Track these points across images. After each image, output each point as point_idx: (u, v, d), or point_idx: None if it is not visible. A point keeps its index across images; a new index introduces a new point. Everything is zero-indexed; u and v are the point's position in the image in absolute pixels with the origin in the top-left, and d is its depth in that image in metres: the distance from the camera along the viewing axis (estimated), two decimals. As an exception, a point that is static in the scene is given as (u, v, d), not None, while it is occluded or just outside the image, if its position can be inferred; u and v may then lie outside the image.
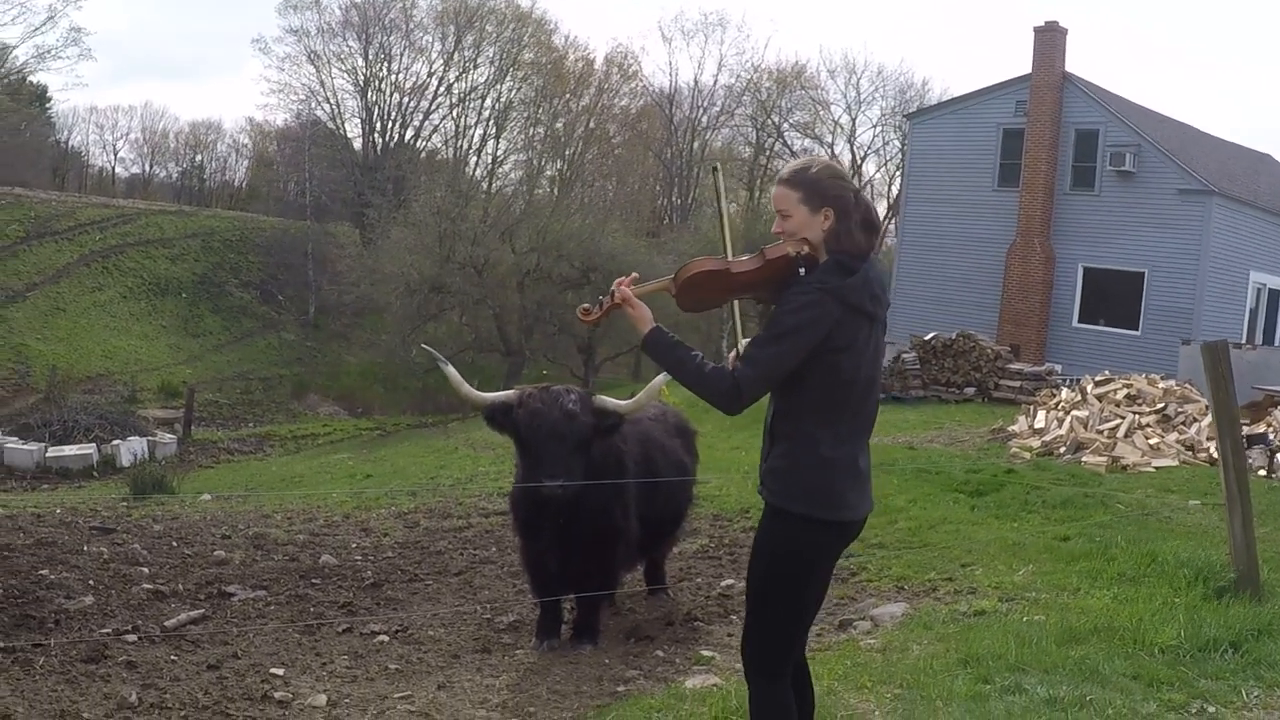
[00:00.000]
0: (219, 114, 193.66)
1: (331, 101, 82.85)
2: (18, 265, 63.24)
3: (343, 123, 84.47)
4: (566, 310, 52.69)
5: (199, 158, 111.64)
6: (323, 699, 9.33)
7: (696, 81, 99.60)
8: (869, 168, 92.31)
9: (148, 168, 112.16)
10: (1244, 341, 40.77)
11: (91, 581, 12.94)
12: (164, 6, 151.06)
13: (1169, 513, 15.49)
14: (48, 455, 38.89)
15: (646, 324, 5.91)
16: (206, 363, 63.11)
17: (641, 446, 11.48)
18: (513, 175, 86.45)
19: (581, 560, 10.78)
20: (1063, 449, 21.52)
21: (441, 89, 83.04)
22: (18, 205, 68.62)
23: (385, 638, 11.25)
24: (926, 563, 13.03)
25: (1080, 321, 45.57)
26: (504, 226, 58.26)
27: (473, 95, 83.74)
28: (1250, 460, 16.63)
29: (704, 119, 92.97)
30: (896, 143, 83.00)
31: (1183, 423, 21.68)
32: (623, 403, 10.59)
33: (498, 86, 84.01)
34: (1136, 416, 22.02)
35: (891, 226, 67.29)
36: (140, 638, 10.89)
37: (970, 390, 33.30)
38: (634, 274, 6.14)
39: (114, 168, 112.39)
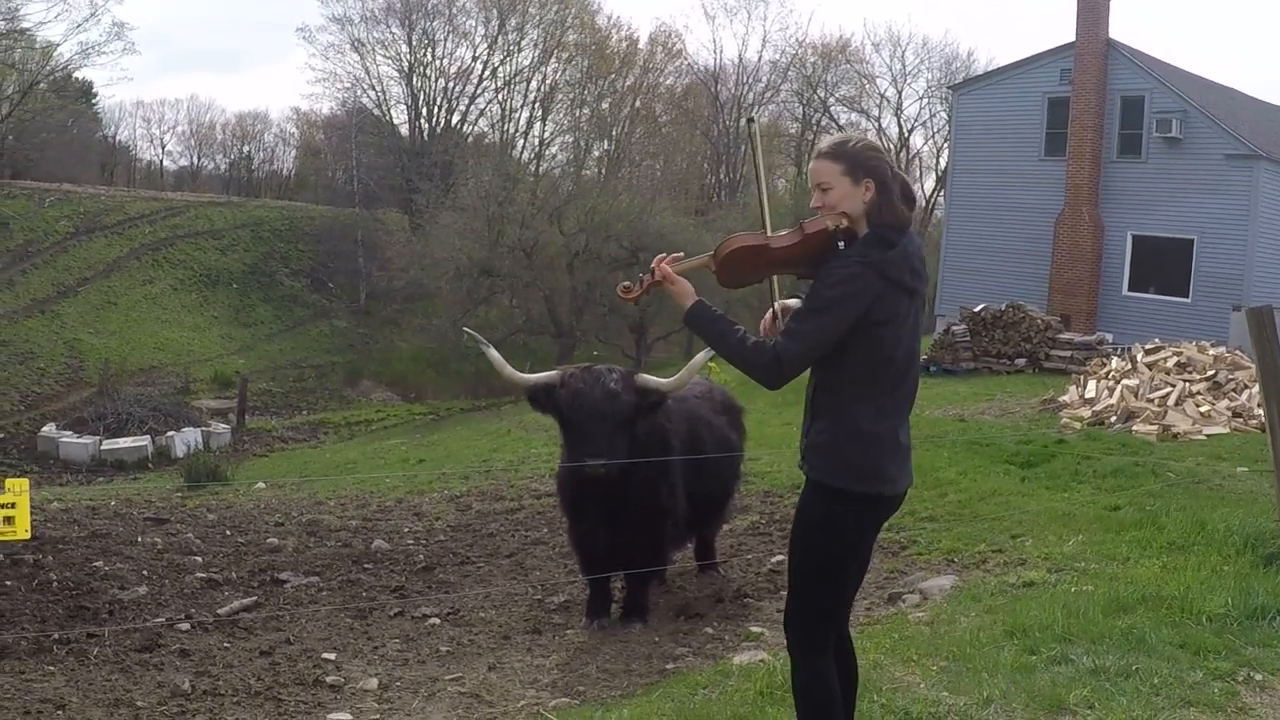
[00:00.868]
0: (265, 104, 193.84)
1: (377, 88, 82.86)
2: (68, 261, 63.45)
3: (388, 109, 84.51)
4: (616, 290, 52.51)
5: (246, 149, 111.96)
6: (374, 682, 9.40)
7: (741, 58, 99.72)
8: (916, 140, 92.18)
9: (195, 160, 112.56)
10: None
11: (145, 571, 13.06)
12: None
13: (1219, 480, 15.44)
14: (103, 448, 39.21)
15: (689, 298, 5.90)
16: (259, 352, 63.22)
17: (687, 424, 11.50)
18: (560, 157, 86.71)
19: (629, 539, 10.81)
20: (1113, 418, 21.44)
21: (486, 73, 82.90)
22: (67, 201, 68.84)
23: (436, 620, 11.32)
24: (976, 535, 13.00)
25: (1130, 290, 45.25)
26: (552, 208, 58.20)
27: (518, 78, 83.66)
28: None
29: (749, 96, 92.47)
30: (943, 115, 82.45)
31: (1233, 389, 21.58)
32: (665, 380, 10.61)
33: (542, 69, 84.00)
34: (1187, 384, 21.92)
35: (940, 199, 66.98)
36: (193, 626, 10.99)
37: (1021, 361, 33.21)
38: (676, 254, 6.16)
39: (162, 161, 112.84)
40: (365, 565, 13.83)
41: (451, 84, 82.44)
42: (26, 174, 75.21)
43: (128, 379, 53.44)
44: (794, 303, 5.97)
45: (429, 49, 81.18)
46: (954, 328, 35.17)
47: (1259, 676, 7.77)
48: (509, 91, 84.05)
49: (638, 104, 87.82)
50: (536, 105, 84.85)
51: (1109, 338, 36.62)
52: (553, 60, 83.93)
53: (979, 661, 8.00)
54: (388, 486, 21.00)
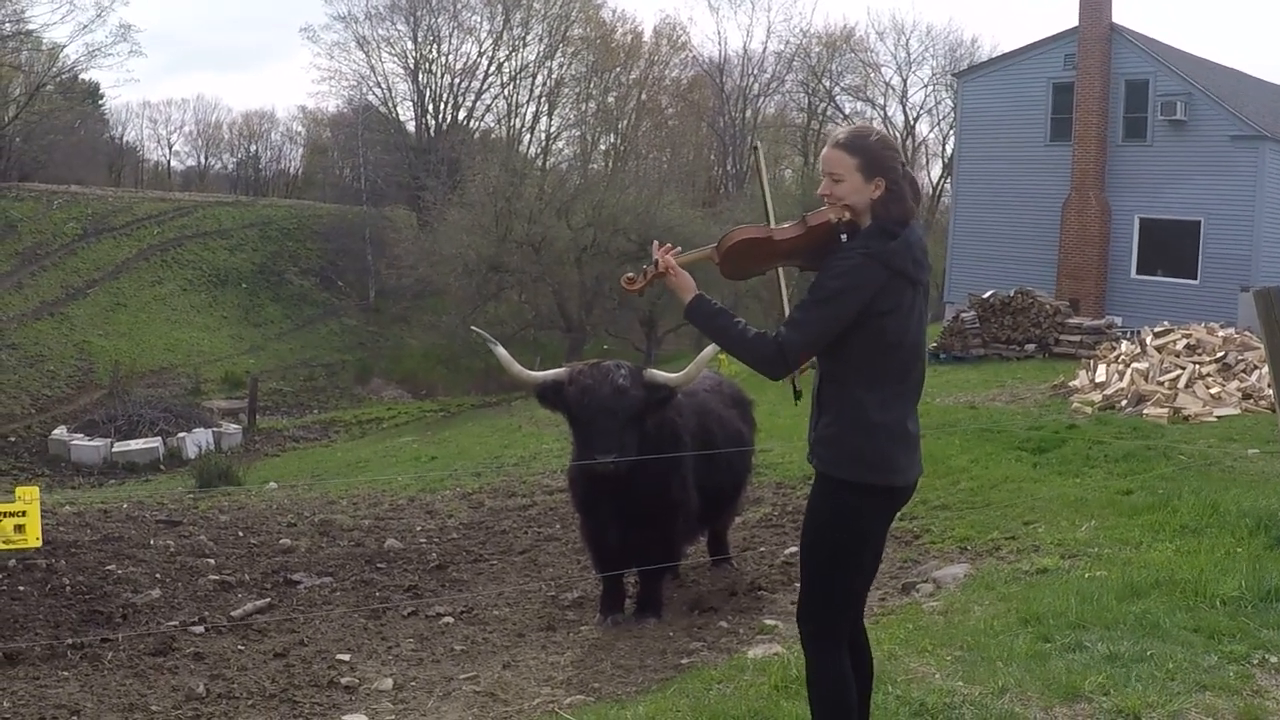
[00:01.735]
0: (271, 103, 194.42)
1: (383, 86, 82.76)
2: (77, 263, 63.51)
3: (395, 106, 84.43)
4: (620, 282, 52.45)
5: (253, 148, 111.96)
6: (389, 682, 9.42)
7: (746, 49, 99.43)
8: (922, 128, 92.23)
9: (203, 160, 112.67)
10: (1303, 287, 40.40)
11: (158, 574, 13.07)
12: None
13: (1231, 462, 15.45)
14: (114, 451, 39.27)
15: (689, 292, 5.90)
16: (269, 351, 63.24)
17: (697, 418, 11.50)
18: (566, 151, 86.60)
19: (642, 534, 10.83)
20: (1124, 402, 21.43)
21: (492, 68, 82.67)
22: (75, 203, 68.93)
23: (450, 619, 11.34)
24: (989, 522, 13.00)
25: (1138, 273, 45.22)
26: (560, 203, 58.07)
27: (523, 73, 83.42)
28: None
29: (755, 87, 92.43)
30: (948, 102, 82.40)
31: (1243, 370, 21.58)
32: (674, 375, 10.62)
33: (548, 63, 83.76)
34: (1197, 366, 21.92)
35: (947, 186, 66.92)
36: (207, 629, 11.01)
37: (1030, 347, 33.18)
38: (677, 248, 6.15)
39: (169, 161, 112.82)
40: (378, 565, 13.85)
41: (457, 80, 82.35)
42: (34, 176, 75.29)
43: (138, 380, 53.50)
44: None
45: (434, 45, 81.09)
46: (963, 315, 35.13)
47: (1274, 659, 7.77)
48: (515, 87, 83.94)
49: (643, 97, 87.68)
50: (542, 100, 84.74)
51: (1118, 321, 36.56)
52: (558, 55, 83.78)
53: (993, 650, 8.00)
54: (400, 485, 21.00)
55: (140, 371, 55.49)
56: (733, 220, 55.47)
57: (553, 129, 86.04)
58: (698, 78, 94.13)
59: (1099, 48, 44.84)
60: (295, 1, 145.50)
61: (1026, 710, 7.06)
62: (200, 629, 10.98)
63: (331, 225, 76.31)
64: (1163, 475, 14.32)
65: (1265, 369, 19.68)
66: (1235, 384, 21.06)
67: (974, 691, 7.31)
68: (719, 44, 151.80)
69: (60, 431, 42.60)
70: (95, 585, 12.39)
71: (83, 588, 12.28)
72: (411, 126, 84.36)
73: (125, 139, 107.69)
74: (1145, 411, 20.40)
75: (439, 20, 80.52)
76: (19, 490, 7.73)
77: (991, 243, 47.86)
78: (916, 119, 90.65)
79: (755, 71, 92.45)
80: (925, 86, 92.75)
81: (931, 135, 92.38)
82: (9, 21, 67.05)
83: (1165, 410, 20.20)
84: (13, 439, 45.02)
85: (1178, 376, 21.64)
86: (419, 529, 16.15)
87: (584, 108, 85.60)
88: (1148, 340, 23.84)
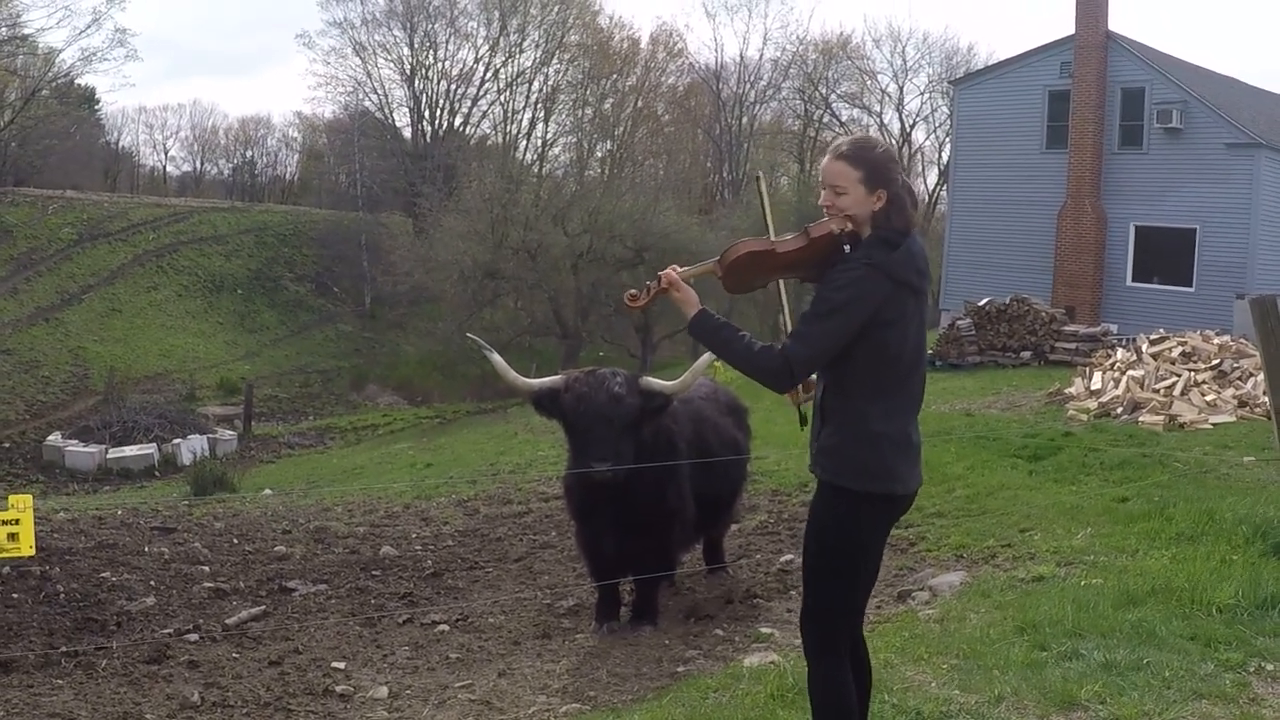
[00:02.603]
0: (268, 109, 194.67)
1: (379, 92, 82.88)
2: (72, 268, 63.53)
3: (391, 112, 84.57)
4: (621, 291, 52.33)
5: (249, 153, 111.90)
6: (384, 691, 9.41)
7: (742, 56, 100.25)
8: (918, 135, 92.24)
9: (199, 165, 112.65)
10: (1299, 294, 40.42)
11: (153, 582, 13.06)
12: (208, 3, 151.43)
13: (1227, 469, 15.46)
14: (109, 457, 39.28)
15: (693, 307, 5.91)
16: (264, 358, 63.26)
17: (693, 425, 11.50)
18: (563, 158, 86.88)
19: (637, 542, 10.83)
20: (1120, 409, 21.42)
21: (488, 74, 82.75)
22: (70, 208, 68.97)
23: (446, 627, 11.33)
24: (985, 530, 13.01)
25: (1134, 280, 45.26)
26: (556, 210, 58.11)
27: (520, 79, 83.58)
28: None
29: (751, 94, 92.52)
30: (945, 109, 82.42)
31: (1239, 378, 21.57)
32: (669, 383, 10.62)
33: (544, 70, 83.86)
34: (1192, 374, 21.91)
35: (943, 193, 66.98)
36: (202, 636, 11.01)
37: (1026, 354, 33.15)
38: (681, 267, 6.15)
39: (165, 167, 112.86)
40: (373, 572, 13.83)
41: (454, 86, 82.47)
42: (30, 181, 75.31)
43: (133, 387, 53.53)
44: None
45: (430, 51, 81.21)
46: (959, 322, 35.13)
47: (1270, 667, 7.77)
48: (511, 93, 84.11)
49: (640, 104, 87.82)
50: (539, 106, 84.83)
51: (1114, 329, 36.55)
52: (555, 61, 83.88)
53: (990, 659, 8.00)
54: (395, 492, 20.98)
55: (135, 377, 55.54)
56: (728, 227, 55.66)
57: (549, 135, 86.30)
58: (694, 84, 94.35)
59: (1095, 55, 44.88)
60: (292, 7, 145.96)
61: (1023, 719, 7.06)
62: (195, 637, 10.97)
63: (327, 231, 76.37)
64: (1158, 483, 14.31)
65: (1261, 376, 19.71)
66: (1231, 391, 21.06)
67: (970, 700, 7.32)
68: (715, 51, 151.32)
69: (55, 438, 42.57)
70: (89, 593, 12.39)
71: (77, 595, 12.27)
72: (408, 133, 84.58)
73: (121, 144, 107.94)
74: (1141, 419, 20.39)
75: (435, 26, 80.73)
76: (12, 498, 7.71)
77: (987, 250, 47.88)
78: (913, 126, 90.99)
79: (752, 78, 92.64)
80: (921, 94, 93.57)
81: (927, 143, 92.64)
82: (5, 26, 67.07)
83: (1161, 417, 20.19)
84: (7, 445, 45.02)
85: (1173, 384, 21.64)
86: (414, 536, 16.13)
87: (580, 114, 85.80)
88: (1143, 348, 23.86)
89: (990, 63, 63.31)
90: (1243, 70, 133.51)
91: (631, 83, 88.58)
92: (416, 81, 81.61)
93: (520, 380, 10.84)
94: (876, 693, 6.88)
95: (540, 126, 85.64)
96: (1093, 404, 22.15)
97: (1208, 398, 20.87)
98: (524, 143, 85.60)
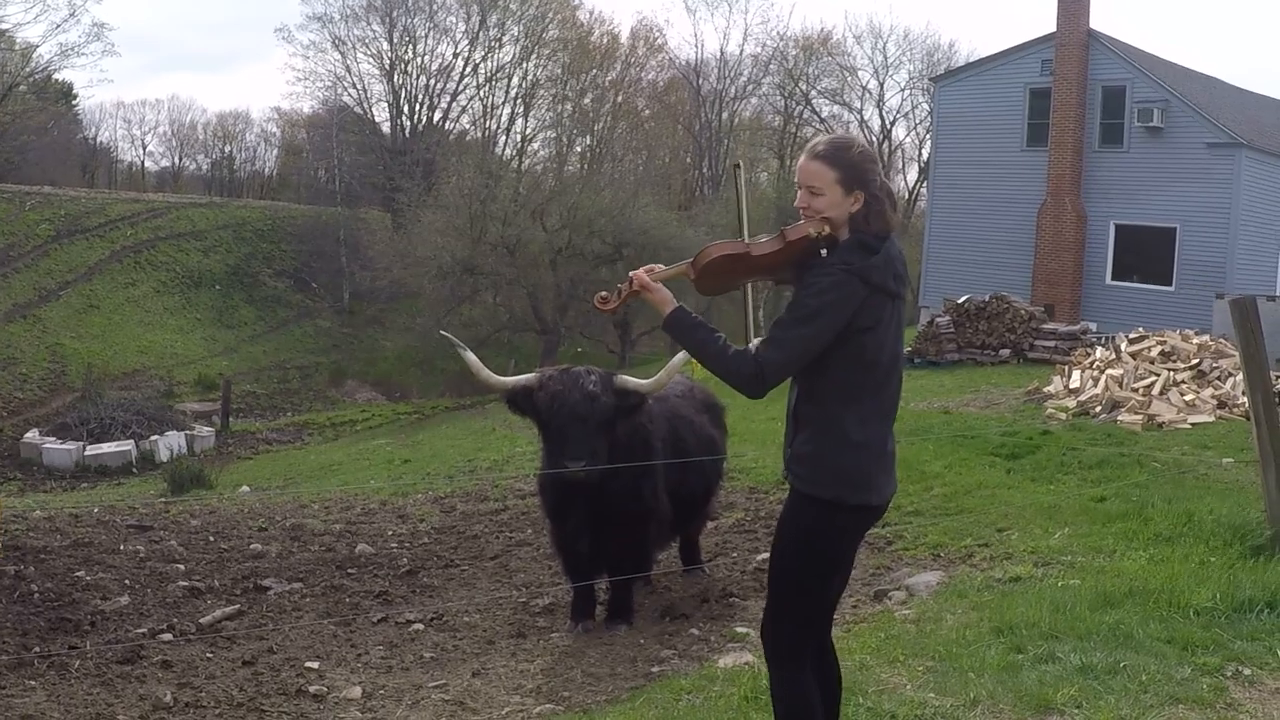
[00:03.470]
0: (246, 104, 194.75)
1: (358, 87, 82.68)
2: (50, 264, 63.30)
3: (370, 107, 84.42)
4: (600, 287, 51.99)
5: (228, 149, 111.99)
6: (358, 691, 9.37)
7: (723, 52, 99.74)
8: (898, 132, 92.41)
9: (177, 161, 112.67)
10: (1278, 294, 40.49)
11: (128, 581, 13.00)
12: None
13: (1205, 470, 15.47)
14: (86, 454, 39.18)
15: (668, 305, 5.79)
16: (242, 354, 63.11)
17: (669, 424, 11.47)
18: (542, 153, 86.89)
19: (613, 541, 10.81)
20: (1098, 408, 21.43)
21: (468, 69, 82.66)
22: (47, 204, 68.69)
23: (420, 626, 11.28)
24: (962, 529, 12.99)
25: (1114, 279, 45.41)
26: (535, 205, 58.30)
27: (499, 74, 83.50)
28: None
29: (731, 90, 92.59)
30: (925, 106, 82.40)
31: (1218, 378, 21.60)
32: (644, 381, 10.58)
33: (524, 64, 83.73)
34: (1171, 373, 21.94)
35: (923, 190, 67.02)
36: (176, 636, 10.96)
37: (1005, 352, 33.20)
38: (653, 266, 6.07)
39: (143, 162, 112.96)
40: (349, 570, 13.77)
41: (433, 81, 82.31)
42: (7, 177, 75.00)
43: (110, 383, 53.31)
44: None
45: (410, 46, 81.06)
46: (938, 319, 35.16)
47: (1247, 671, 7.74)
48: (490, 88, 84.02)
49: (619, 99, 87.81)
50: (518, 101, 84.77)
51: (1093, 327, 36.66)
52: (534, 56, 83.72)
53: (965, 661, 7.96)
54: (372, 488, 20.95)
55: (113, 374, 55.34)
56: (707, 223, 55.73)
57: (528, 131, 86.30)
58: (674, 80, 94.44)
59: (1076, 54, 44.98)
60: (271, 3, 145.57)
61: (998, 723, 7.03)
62: (169, 636, 10.91)
63: (306, 227, 76.28)
64: (1137, 483, 14.31)
65: (1240, 376, 19.69)
66: (1210, 391, 21.07)
67: (945, 703, 7.28)
68: (696, 46, 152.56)
69: (32, 435, 42.39)
70: (64, 592, 12.32)
71: (51, 595, 12.21)
72: (387, 128, 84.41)
73: (99, 140, 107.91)
74: (1119, 418, 20.40)
75: (415, 21, 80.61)
76: (-19, 500, 7.69)
77: (967, 247, 48.00)
78: (893, 123, 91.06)
79: (732, 74, 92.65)
80: (902, 90, 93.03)
81: (908, 139, 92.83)
82: (-19, 21, 66.88)
83: (1139, 417, 20.20)
84: (-15, 442, 44.90)
85: (1152, 383, 21.66)
86: (390, 533, 16.08)
87: (560, 109, 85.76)
88: (1122, 346, 23.88)
89: (971, 60, 63.50)
90: (1224, 70, 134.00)
91: (611, 78, 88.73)
92: (396, 76, 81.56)
93: (494, 378, 10.79)
94: (851, 695, 6.85)
95: (520, 122, 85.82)
96: (1071, 403, 22.16)
97: (1187, 397, 20.89)
98: (503, 138, 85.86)
